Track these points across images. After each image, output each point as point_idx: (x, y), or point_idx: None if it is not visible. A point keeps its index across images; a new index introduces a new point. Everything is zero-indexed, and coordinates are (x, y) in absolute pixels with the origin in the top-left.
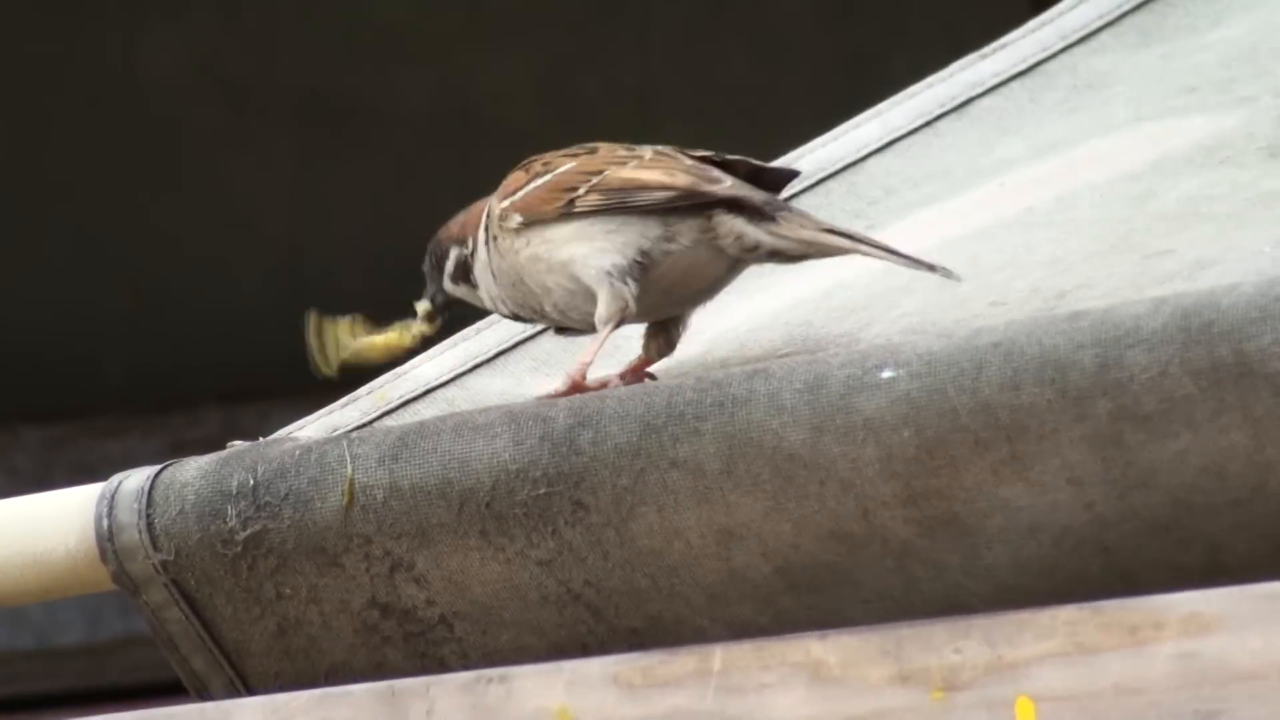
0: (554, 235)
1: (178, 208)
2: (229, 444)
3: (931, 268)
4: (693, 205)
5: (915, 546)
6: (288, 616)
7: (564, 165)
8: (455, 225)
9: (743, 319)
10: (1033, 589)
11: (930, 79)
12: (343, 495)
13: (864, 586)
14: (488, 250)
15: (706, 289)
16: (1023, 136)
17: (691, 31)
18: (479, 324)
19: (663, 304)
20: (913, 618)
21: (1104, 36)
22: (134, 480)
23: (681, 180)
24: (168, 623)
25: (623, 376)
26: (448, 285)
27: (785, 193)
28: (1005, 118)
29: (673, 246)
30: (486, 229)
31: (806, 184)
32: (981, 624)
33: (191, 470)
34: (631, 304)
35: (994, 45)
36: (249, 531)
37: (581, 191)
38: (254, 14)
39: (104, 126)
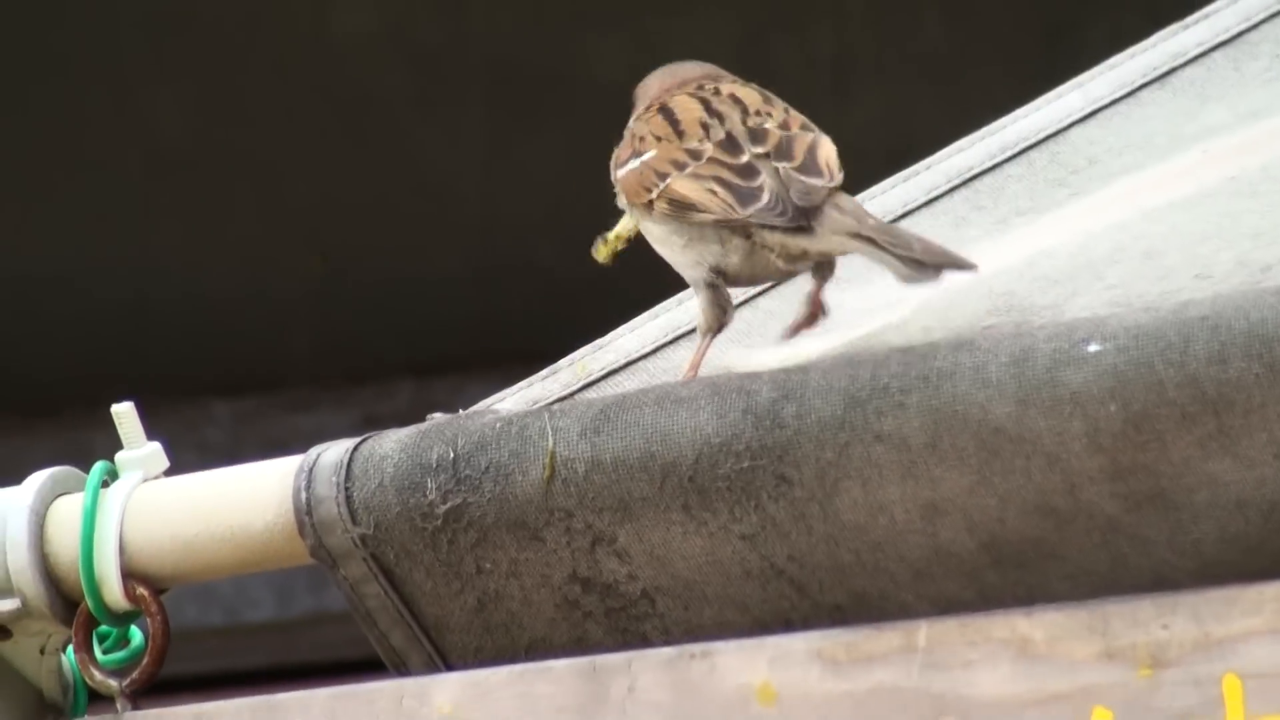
0: (650, 231)
1: (368, 177)
2: (428, 416)
3: (941, 267)
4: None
5: (1121, 522)
6: (488, 591)
7: (648, 151)
8: (638, 95)
9: (945, 286)
10: (1240, 565)
11: (1132, 49)
12: (544, 468)
13: (1069, 562)
14: None
15: (782, 278)
16: (1226, 104)
17: None
18: (680, 294)
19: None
20: (1119, 594)
21: None
22: (332, 453)
23: (715, 205)
24: (366, 598)
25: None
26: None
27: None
28: (1208, 87)
29: (734, 259)
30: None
31: (1009, 153)
32: (1189, 600)
33: (390, 443)
34: (730, 314)
35: (1196, 16)
36: (449, 505)
37: (654, 195)
38: None
39: (293, 93)
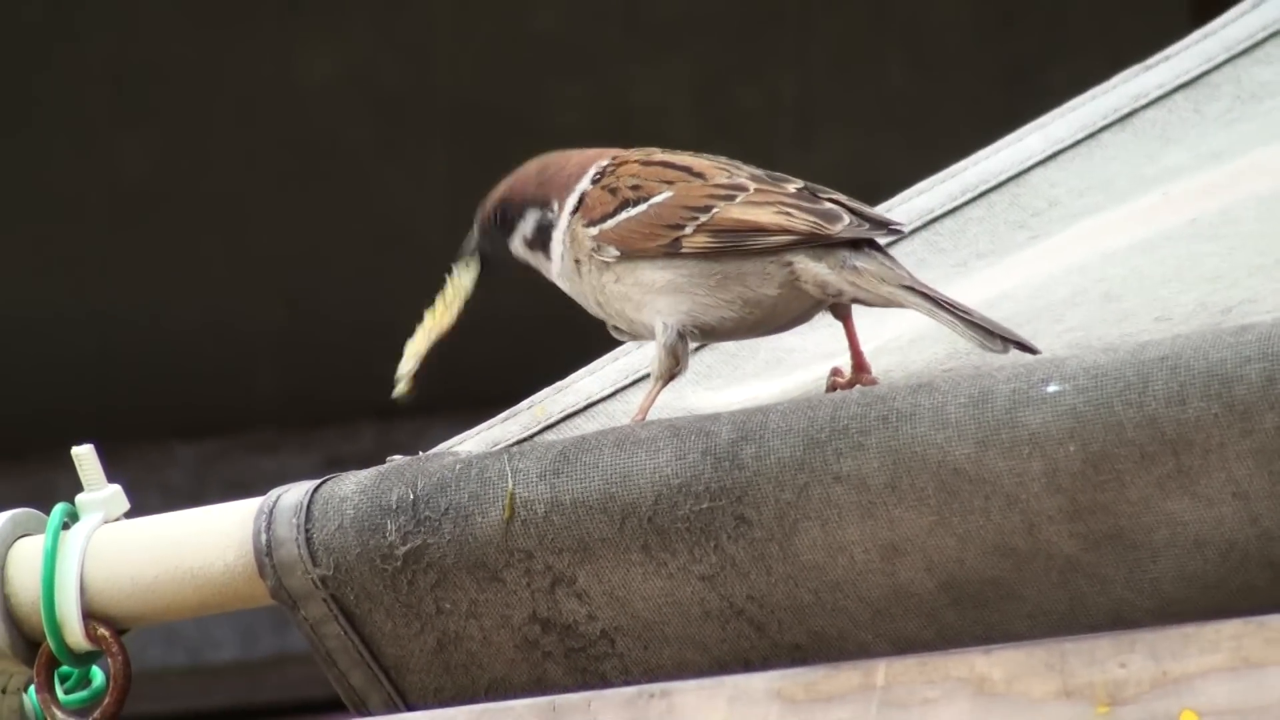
0: (651, 279)
1: (332, 221)
2: (388, 458)
3: (1007, 341)
4: (781, 249)
5: (1080, 561)
6: (448, 632)
7: (660, 194)
8: (530, 184)
9: (905, 329)
10: (1198, 603)
11: (1093, 91)
12: (504, 510)
13: (1028, 601)
14: (562, 264)
15: (794, 323)
16: (1186, 147)
17: (850, 43)
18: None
19: (748, 336)
20: (1077, 632)
21: (1268, 47)
22: (292, 495)
23: (801, 224)
24: (326, 638)
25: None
26: (517, 248)
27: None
28: (1169, 129)
29: (768, 291)
30: (569, 247)
31: (970, 195)
32: (1146, 638)
33: (350, 485)
34: (684, 364)
35: (1157, 57)
36: (409, 546)
37: (689, 230)
38: (409, 26)
39: (259, 139)
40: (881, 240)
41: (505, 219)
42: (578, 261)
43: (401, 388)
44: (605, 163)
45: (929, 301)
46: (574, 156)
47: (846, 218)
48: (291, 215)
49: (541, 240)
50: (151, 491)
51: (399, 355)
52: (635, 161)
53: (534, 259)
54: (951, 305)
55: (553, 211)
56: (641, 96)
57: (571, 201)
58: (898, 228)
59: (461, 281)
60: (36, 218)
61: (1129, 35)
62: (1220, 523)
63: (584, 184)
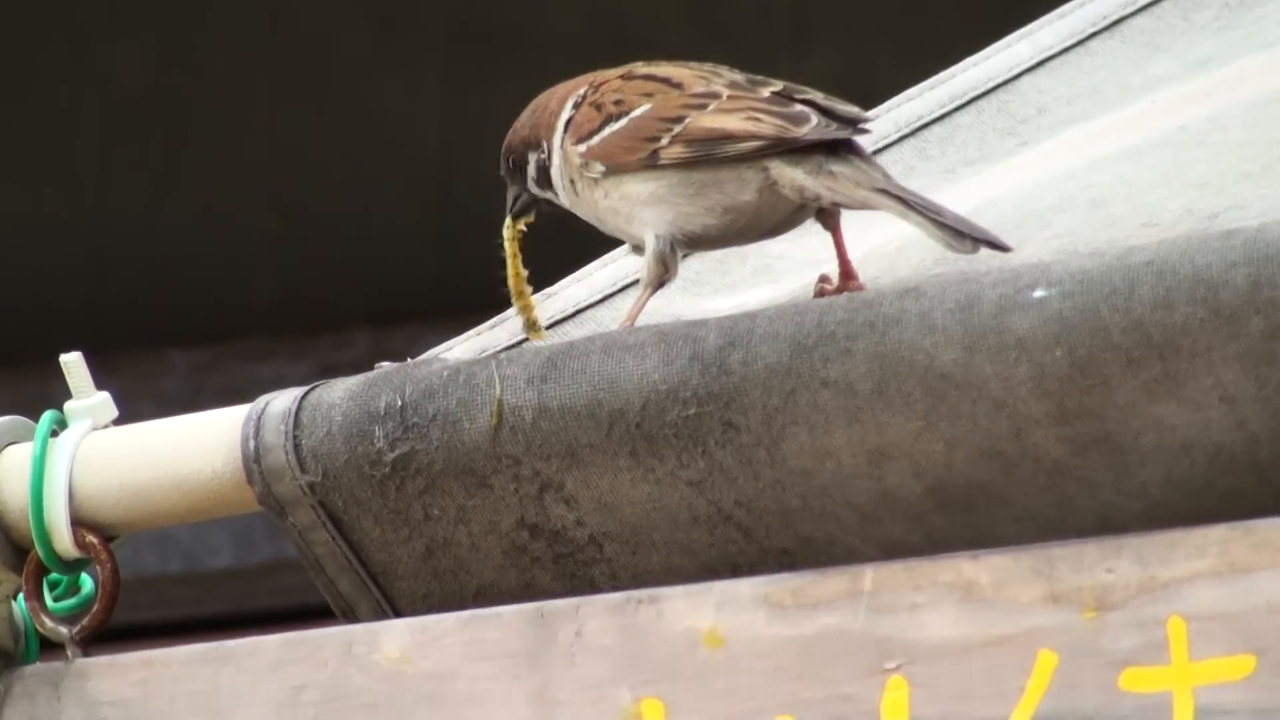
0: (636, 191)
1: (326, 130)
2: (376, 365)
3: (976, 241)
4: (751, 155)
5: (1068, 465)
6: (436, 538)
7: (639, 106)
8: (524, 128)
9: (893, 235)
10: (1185, 508)
11: None
12: (491, 416)
13: (1016, 506)
14: (564, 189)
15: (780, 228)
16: (1174, 54)
17: None
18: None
19: (737, 242)
20: (1065, 537)
21: None
22: (281, 401)
23: (768, 129)
24: (314, 545)
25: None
26: (533, 189)
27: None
28: (1157, 36)
29: (747, 197)
30: (563, 170)
31: (959, 103)
32: (1133, 543)
33: (339, 391)
34: (673, 271)
35: None
36: (397, 452)
37: (665, 142)
38: None
39: (250, 48)
40: (866, 144)
41: (514, 168)
42: (572, 181)
43: (534, 334)
44: (583, 90)
45: (900, 203)
46: (558, 91)
47: (815, 119)
48: (286, 123)
49: (545, 178)
50: (145, 399)
51: (393, 261)
52: (618, 78)
53: (549, 196)
54: (923, 206)
55: (544, 151)
56: (635, 5)
57: (559, 134)
58: (865, 126)
59: (511, 240)
60: (30, 126)
61: None
62: (1207, 427)
63: (566, 113)
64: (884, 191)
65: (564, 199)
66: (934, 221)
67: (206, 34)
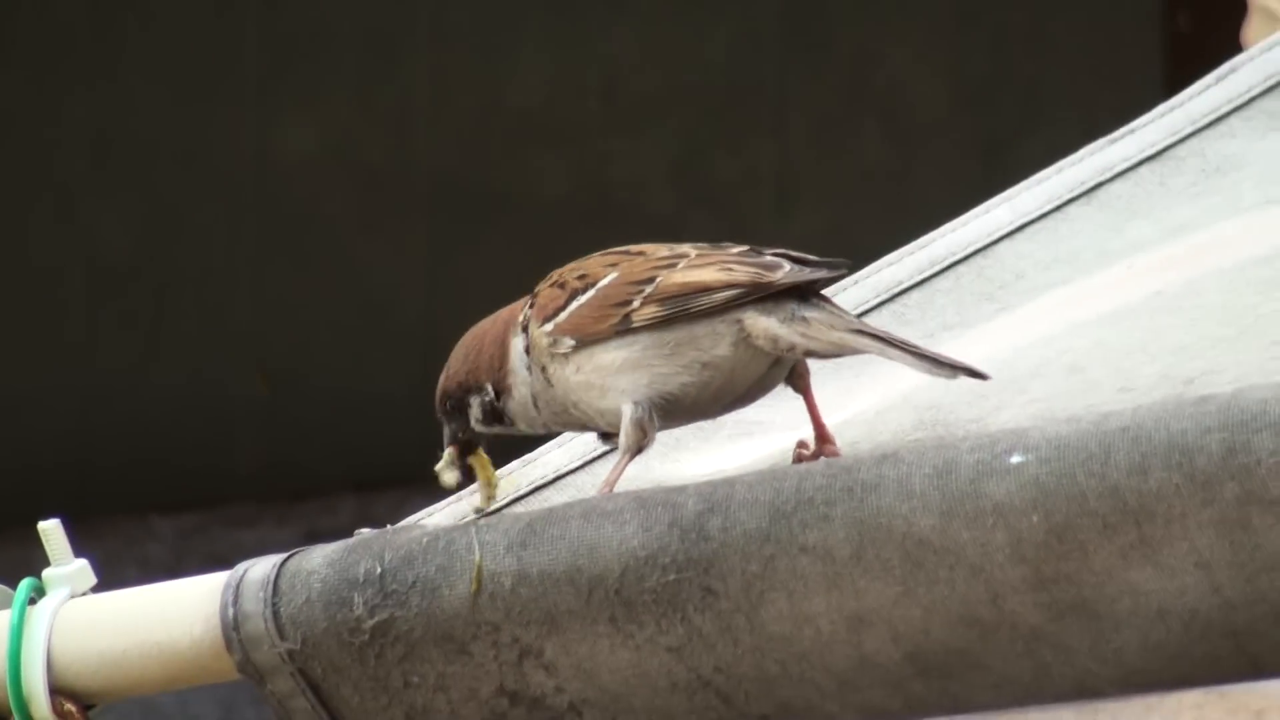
0: (609, 360)
1: (311, 294)
2: (356, 531)
3: (957, 369)
4: (725, 307)
5: (1044, 631)
6: (415, 705)
7: (605, 276)
8: (461, 371)
9: (873, 401)
10: (1161, 673)
11: (1060, 163)
12: (471, 582)
13: (993, 671)
14: (531, 382)
15: (754, 389)
16: (1151, 220)
17: (827, 116)
18: None
19: (713, 408)
20: (1042, 703)
21: (1233, 121)
22: (260, 568)
23: (743, 276)
24: (294, 712)
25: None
26: (478, 428)
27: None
28: (1134, 202)
29: (722, 351)
30: (528, 361)
31: (938, 268)
32: (1109, 709)
33: (318, 558)
34: (651, 436)
35: (1123, 130)
36: (376, 619)
37: (636, 304)
38: (388, 99)
39: (237, 211)
40: (846, 307)
41: (453, 410)
42: (544, 368)
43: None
44: (527, 308)
45: (879, 341)
46: (489, 329)
47: (787, 265)
48: (271, 288)
49: (494, 415)
50: (129, 565)
51: (378, 427)
52: (570, 265)
53: (499, 430)
54: (901, 343)
55: (488, 392)
56: (620, 169)
57: (519, 339)
58: (841, 268)
59: (445, 475)
60: (15, 290)
61: (1105, 107)
62: (1183, 592)
63: (517, 339)
64: (859, 332)
65: (519, 402)
66: (913, 354)
67: (192, 199)
